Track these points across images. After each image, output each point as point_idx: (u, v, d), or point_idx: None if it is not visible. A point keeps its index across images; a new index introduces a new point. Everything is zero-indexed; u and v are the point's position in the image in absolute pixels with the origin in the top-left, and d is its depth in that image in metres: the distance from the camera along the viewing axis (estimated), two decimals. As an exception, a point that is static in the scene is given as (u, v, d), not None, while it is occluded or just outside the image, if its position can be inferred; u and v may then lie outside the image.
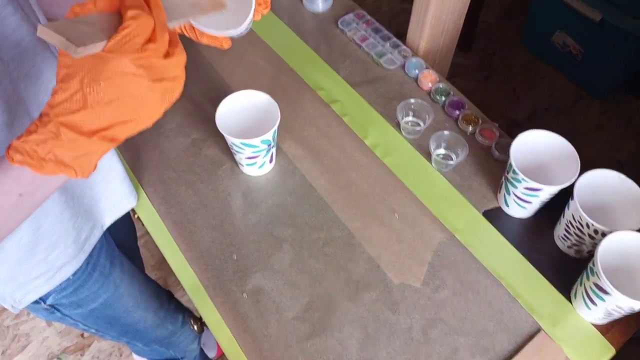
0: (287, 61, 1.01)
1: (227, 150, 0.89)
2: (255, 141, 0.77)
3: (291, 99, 0.95)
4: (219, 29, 0.58)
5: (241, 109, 0.82)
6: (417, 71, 0.96)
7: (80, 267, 0.75)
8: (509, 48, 2.08)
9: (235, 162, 0.87)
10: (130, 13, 0.41)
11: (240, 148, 0.78)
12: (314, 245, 0.79)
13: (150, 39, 0.42)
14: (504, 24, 2.17)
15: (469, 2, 0.97)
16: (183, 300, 1.48)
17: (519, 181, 0.73)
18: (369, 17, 1.06)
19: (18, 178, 0.46)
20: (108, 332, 0.92)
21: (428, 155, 0.87)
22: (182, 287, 1.57)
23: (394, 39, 1.02)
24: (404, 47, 1.01)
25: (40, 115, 0.44)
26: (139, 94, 0.44)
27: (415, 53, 1.00)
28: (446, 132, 0.85)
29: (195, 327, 1.09)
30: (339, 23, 1.05)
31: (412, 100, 0.89)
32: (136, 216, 1.24)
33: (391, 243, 0.79)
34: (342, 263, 0.77)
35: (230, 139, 0.77)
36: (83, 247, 0.73)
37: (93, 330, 0.89)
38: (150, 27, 0.42)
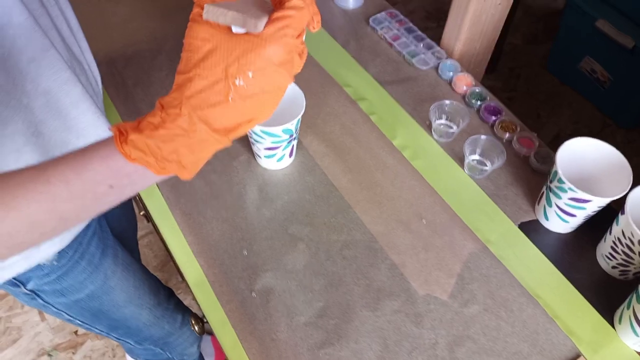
0: (313, 55, 0.95)
1: (245, 142, 0.83)
2: (277, 130, 0.71)
3: (315, 93, 0.89)
4: None
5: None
6: (451, 73, 0.91)
7: (66, 253, 0.69)
8: (534, 72, 2.03)
9: (252, 154, 0.81)
10: (294, 2, 0.38)
11: (260, 137, 0.72)
12: (332, 247, 0.72)
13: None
14: (530, 47, 2.12)
15: (510, 4, 0.92)
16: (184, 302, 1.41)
17: (564, 191, 0.66)
18: (402, 16, 1.01)
19: (117, 169, 0.39)
20: (95, 325, 0.85)
21: (460, 161, 0.81)
22: (182, 289, 1.51)
23: (428, 40, 0.97)
24: (438, 48, 0.95)
25: (164, 105, 0.38)
26: (277, 89, 0.39)
27: (449, 55, 0.95)
28: (483, 137, 0.79)
29: (196, 328, 1.02)
30: (370, 21, 1.00)
31: (447, 102, 0.83)
32: (141, 213, 1.18)
33: (417, 251, 0.72)
34: (362, 268, 0.70)
35: (250, 125, 0.71)
36: None
37: (78, 322, 0.82)
38: (307, 20, 0.39)
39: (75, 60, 0.64)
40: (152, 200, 0.77)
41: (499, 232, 0.74)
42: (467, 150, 0.78)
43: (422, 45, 0.96)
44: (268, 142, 0.73)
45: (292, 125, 0.72)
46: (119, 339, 0.93)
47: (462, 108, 0.82)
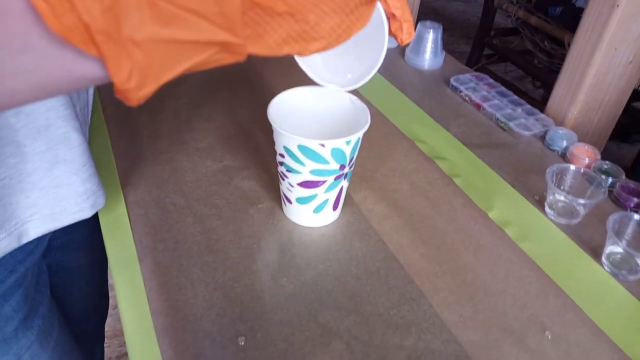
0: (375, 104, 0.73)
1: (270, 186, 0.57)
2: (323, 149, 0.45)
3: (375, 142, 0.65)
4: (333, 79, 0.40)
5: (308, 110, 0.52)
6: (565, 142, 0.66)
7: None
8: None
9: (278, 202, 0.55)
10: None
11: (294, 158, 0.47)
12: (391, 356, 0.42)
13: None
14: (617, 152, 1.99)
15: (642, 72, 0.70)
16: None
17: None
18: (492, 80, 0.79)
19: None
20: None
21: (593, 252, 0.52)
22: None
23: (528, 106, 0.74)
24: (541, 115, 0.72)
25: None
26: None
27: (558, 125, 0.71)
28: (636, 217, 0.51)
29: None
30: (451, 80, 0.78)
31: (572, 167, 0.57)
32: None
33: (541, 382, 0.41)
34: (444, 400, 0.39)
35: (281, 134, 0.46)
36: None
37: None
38: None
39: None
40: (115, 237, 0.50)
41: (682, 371, 0.42)
42: (609, 237, 0.50)
43: (520, 109, 0.73)
44: (306, 171, 0.47)
45: (348, 145, 0.46)
46: None
47: (594, 178, 0.56)
